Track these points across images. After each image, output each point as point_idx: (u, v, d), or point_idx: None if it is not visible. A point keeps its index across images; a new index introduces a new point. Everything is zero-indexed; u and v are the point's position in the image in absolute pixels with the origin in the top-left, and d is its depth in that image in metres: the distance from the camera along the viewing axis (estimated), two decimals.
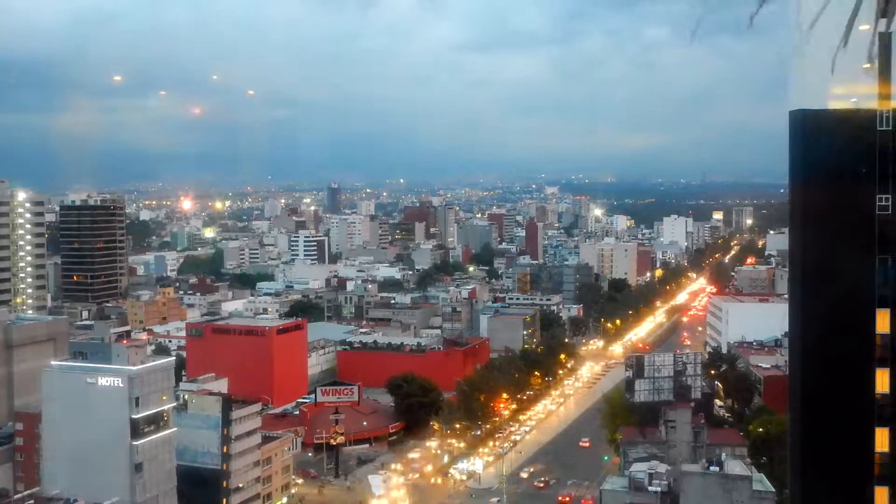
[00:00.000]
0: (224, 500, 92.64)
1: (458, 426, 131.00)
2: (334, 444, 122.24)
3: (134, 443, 77.55)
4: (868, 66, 46.91)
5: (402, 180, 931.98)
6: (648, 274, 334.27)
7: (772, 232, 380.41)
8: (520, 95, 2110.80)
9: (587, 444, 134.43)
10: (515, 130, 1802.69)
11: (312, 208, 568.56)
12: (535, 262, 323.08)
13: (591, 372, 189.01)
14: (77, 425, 78.96)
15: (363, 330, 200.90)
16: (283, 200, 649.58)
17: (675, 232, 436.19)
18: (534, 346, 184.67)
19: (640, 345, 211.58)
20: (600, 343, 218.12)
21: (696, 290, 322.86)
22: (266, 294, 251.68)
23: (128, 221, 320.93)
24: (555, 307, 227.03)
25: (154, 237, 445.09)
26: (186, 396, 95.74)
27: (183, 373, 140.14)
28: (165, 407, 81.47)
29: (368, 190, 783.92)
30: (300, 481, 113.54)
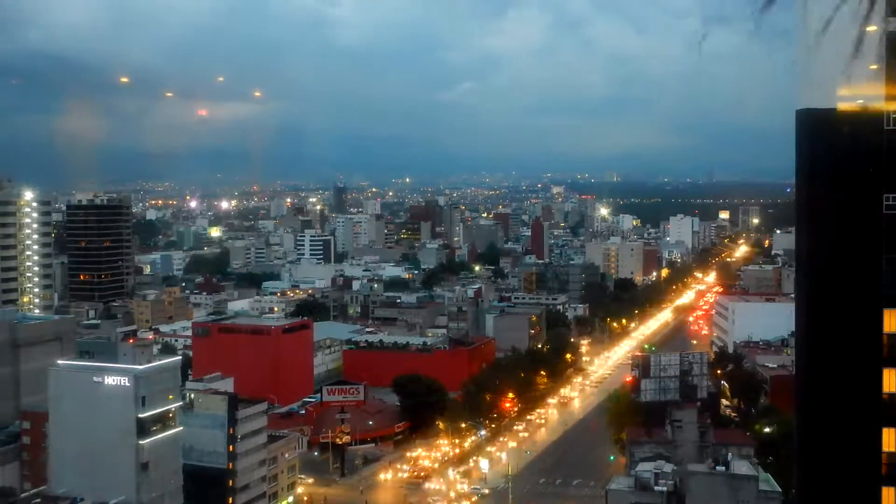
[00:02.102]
0: (230, 499, 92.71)
1: (463, 426, 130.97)
2: (340, 443, 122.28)
3: (140, 442, 77.60)
4: (875, 66, 46.76)
5: (407, 179, 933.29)
6: (654, 273, 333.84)
7: (778, 231, 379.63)
8: (545, 97, 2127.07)
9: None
10: (528, 130, 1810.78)
11: (318, 208, 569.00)
12: (540, 261, 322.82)
13: (597, 371, 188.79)
14: (83, 424, 79.05)
15: (369, 329, 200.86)
16: (288, 200, 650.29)
17: (681, 231, 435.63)
18: (539, 346, 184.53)
19: (647, 344, 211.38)
20: (606, 342, 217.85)
21: (702, 289, 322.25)
22: (272, 293, 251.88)
23: (134, 221, 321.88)
24: (560, 307, 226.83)
25: (160, 236, 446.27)
26: (192, 396, 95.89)
27: (189, 372, 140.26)
28: (171, 406, 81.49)
29: (374, 189, 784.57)
30: (311, 480, 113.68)
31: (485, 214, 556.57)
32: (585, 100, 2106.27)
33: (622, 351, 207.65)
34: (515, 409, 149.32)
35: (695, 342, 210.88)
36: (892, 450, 51.08)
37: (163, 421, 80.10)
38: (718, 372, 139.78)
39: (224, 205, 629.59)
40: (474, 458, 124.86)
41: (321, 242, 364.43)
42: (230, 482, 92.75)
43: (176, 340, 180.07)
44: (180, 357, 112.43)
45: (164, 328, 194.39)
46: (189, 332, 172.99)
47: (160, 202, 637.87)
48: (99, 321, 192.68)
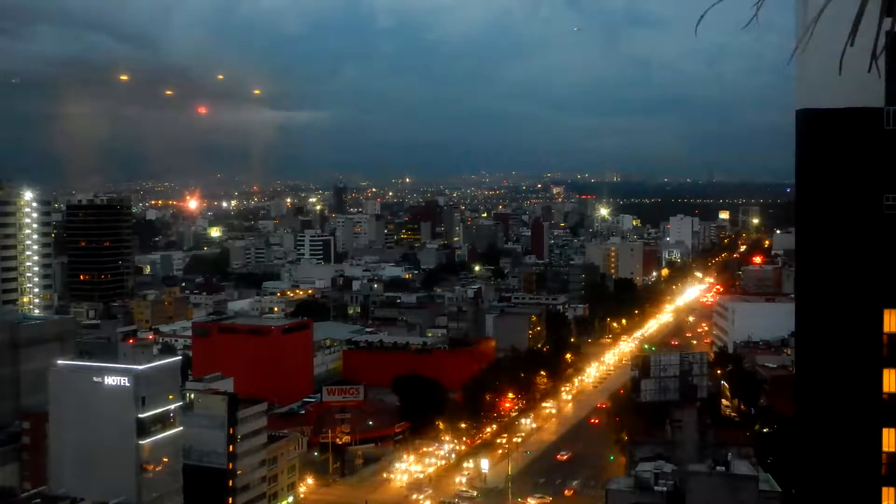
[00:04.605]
0: (230, 500, 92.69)
1: (463, 426, 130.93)
2: (340, 443, 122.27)
3: (140, 442, 77.61)
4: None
5: (407, 179, 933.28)
6: (654, 273, 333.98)
7: (778, 231, 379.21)
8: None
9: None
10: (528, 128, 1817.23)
11: (318, 208, 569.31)
12: (540, 261, 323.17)
13: (596, 372, 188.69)
14: (83, 425, 79.06)
15: (369, 329, 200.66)
16: (288, 200, 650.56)
17: (681, 231, 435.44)
18: (539, 346, 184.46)
19: (646, 344, 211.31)
20: (606, 343, 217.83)
21: (702, 289, 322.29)
22: (272, 293, 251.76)
23: (134, 221, 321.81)
24: (560, 307, 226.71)
25: (160, 237, 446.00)
26: (192, 396, 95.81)
27: (189, 372, 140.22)
28: (171, 406, 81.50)
29: (374, 189, 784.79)
30: (311, 481, 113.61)
31: (485, 214, 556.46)
32: (621, 102, 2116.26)
33: (622, 351, 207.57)
34: (515, 409, 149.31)
35: (695, 342, 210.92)
36: (892, 450, 51.08)
37: (163, 421, 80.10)
38: (718, 372, 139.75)
39: (224, 205, 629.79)
40: (474, 458, 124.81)
41: (321, 242, 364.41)
42: (230, 482, 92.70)
43: (176, 340, 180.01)
44: (180, 357, 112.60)
45: (164, 328, 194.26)
46: (189, 332, 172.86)
47: (160, 202, 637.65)
48: (99, 321, 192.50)
